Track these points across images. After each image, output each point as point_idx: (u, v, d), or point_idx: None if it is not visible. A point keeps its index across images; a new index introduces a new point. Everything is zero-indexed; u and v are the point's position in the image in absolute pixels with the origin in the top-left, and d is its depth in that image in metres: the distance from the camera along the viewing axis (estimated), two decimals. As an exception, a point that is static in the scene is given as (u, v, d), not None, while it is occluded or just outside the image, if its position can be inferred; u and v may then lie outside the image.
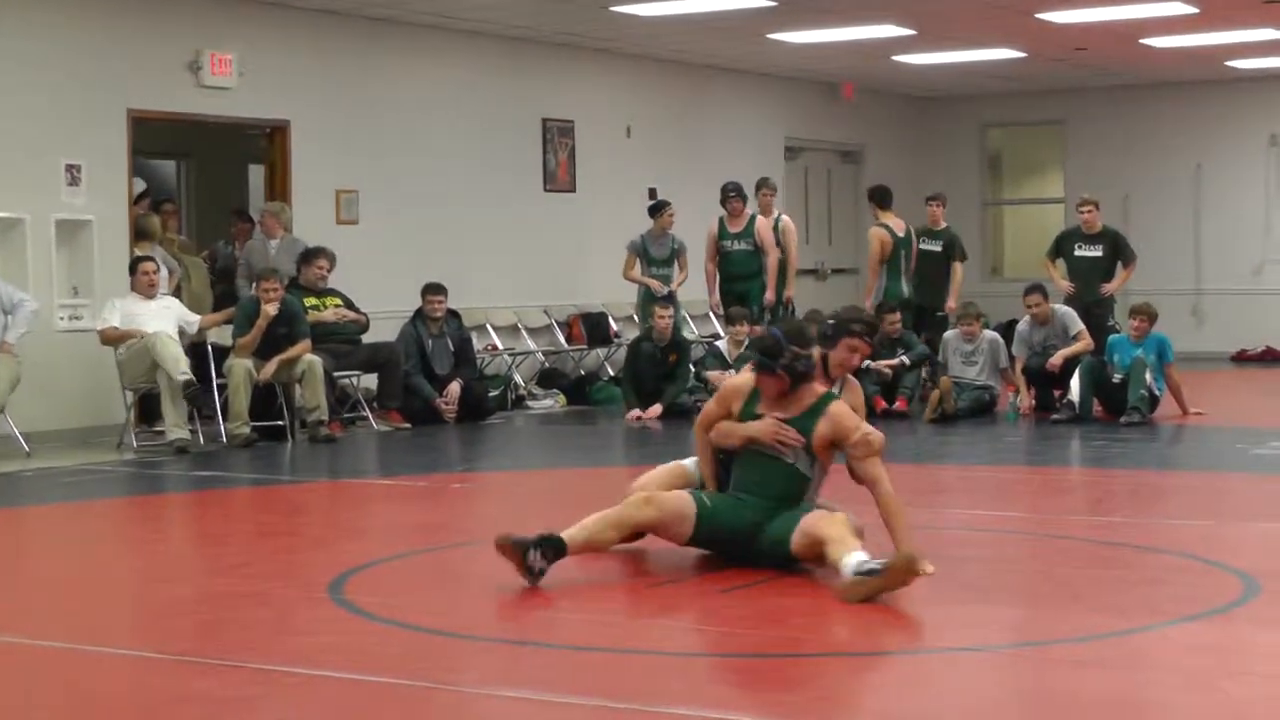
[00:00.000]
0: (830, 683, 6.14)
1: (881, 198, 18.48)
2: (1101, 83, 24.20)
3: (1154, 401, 15.23)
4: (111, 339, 14.23)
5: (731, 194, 17.99)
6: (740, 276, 17.84)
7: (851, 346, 8.43)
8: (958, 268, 18.49)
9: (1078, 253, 17.54)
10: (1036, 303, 16.05)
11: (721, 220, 18.03)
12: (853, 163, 25.04)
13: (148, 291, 14.53)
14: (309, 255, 15.81)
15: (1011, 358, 16.21)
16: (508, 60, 19.25)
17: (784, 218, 18.45)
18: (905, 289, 18.01)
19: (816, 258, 23.95)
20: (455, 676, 6.23)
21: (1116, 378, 15.29)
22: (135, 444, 14.07)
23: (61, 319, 14.96)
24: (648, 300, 17.71)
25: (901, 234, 18.16)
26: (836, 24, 18.78)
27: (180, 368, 13.94)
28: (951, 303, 18.03)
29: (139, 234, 15.57)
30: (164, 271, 15.18)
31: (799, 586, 7.75)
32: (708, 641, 6.91)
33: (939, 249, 18.44)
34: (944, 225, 18.65)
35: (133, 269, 14.72)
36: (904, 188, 23.99)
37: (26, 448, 13.79)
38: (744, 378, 8.28)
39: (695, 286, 18.80)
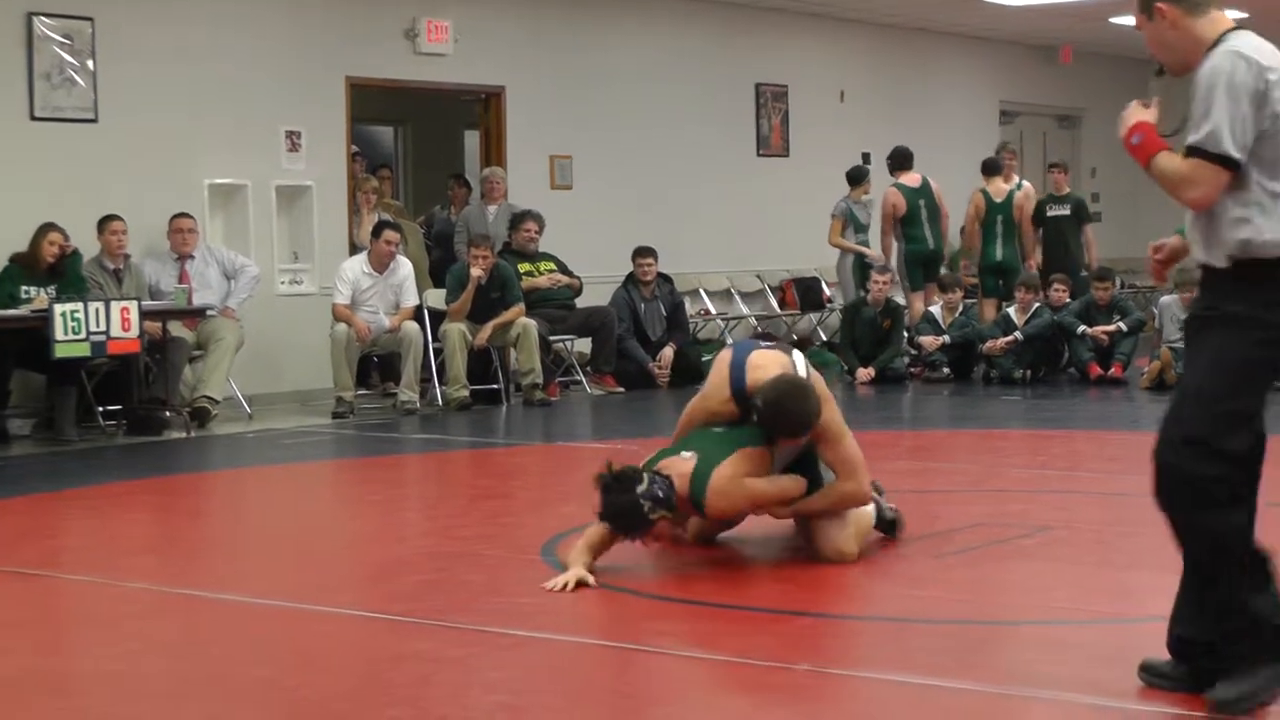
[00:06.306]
0: (1030, 650, 6.08)
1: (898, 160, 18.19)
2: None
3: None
4: (342, 318, 14.41)
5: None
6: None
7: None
8: (1088, 230, 18.28)
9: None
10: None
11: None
12: (1070, 127, 24.73)
13: (383, 260, 14.64)
14: (517, 220, 15.91)
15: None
16: (721, 25, 19.25)
17: (1025, 184, 18.27)
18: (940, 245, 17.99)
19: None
20: (667, 639, 6.27)
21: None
22: (354, 406, 14.26)
23: (282, 284, 15.24)
24: (859, 265, 17.66)
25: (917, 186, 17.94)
26: (1054, -15, 18.56)
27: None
28: (1092, 263, 17.78)
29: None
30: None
31: (1011, 555, 7.71)
32: (923, 608, 6.88)
33: (1067, 212, 18.13)
34: (1067, 190, 18.37)
35: (375, 234, 14.83)
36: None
37: (249, 410, 14.07)
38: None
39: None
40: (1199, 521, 5.00)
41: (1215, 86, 4.88)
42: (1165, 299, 16.38)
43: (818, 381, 7.52)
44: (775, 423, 7.26)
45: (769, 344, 7.84)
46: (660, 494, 7.12)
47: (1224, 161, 4.86)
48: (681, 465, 7.25)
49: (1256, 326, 4.95)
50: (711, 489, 7.20)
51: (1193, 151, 4.91)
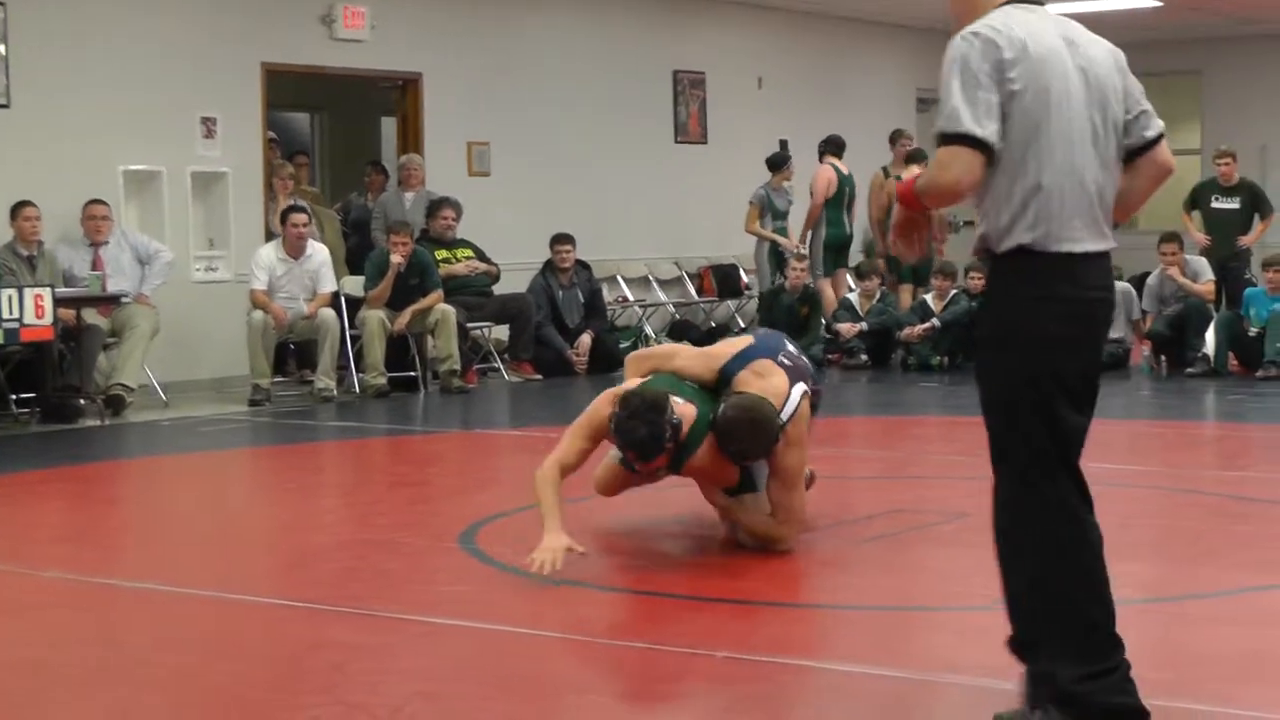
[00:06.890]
0: (946, 635, 6.11)
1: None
2: (1240, 32, 23.81)
3: (1292, 355, 15.00)
4: (259, 305, 14.31)
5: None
6: None
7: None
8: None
9: (1214, 205, 17.27)
10: (1173, 251, 15.77)
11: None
12: (985, 114, 24.81)
13: (296, 245, 14.54)
14: (434, 207, 15.87)
15: (1143, 311, 15.99)
16: (639, 12, 19.23)
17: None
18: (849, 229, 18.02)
19: (949, 211, 23.75)
20: (585, 626, 6.26)
21: (1253, 331, 15.11)
22: (271, 394, 14.19)
23: (197, 270, 15.13)
24: (774, 253, 17.69)
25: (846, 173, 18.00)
26: (970, -27, 18.59)
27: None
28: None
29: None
30: (314, 224, 15.23)
31: (929, 541, 7.74)
32: (842, 594, 6.90)
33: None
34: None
35: (283, 219, 14.74)
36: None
37: (165, 397, 13.97)
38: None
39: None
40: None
41: (950, 72, 4.66)
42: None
43: (799, 424, 7.34)
44: (722, 439, 7.18)
45: (788, 358, 7.55)
46: (676, 424, 7.06)
47: (968, 141, 4.62)
48: (685, 409, 7.16)
49: (1013, 341, 4.93)
50: (700, 452, 7.19)
51: (940, 140, 4.67)
